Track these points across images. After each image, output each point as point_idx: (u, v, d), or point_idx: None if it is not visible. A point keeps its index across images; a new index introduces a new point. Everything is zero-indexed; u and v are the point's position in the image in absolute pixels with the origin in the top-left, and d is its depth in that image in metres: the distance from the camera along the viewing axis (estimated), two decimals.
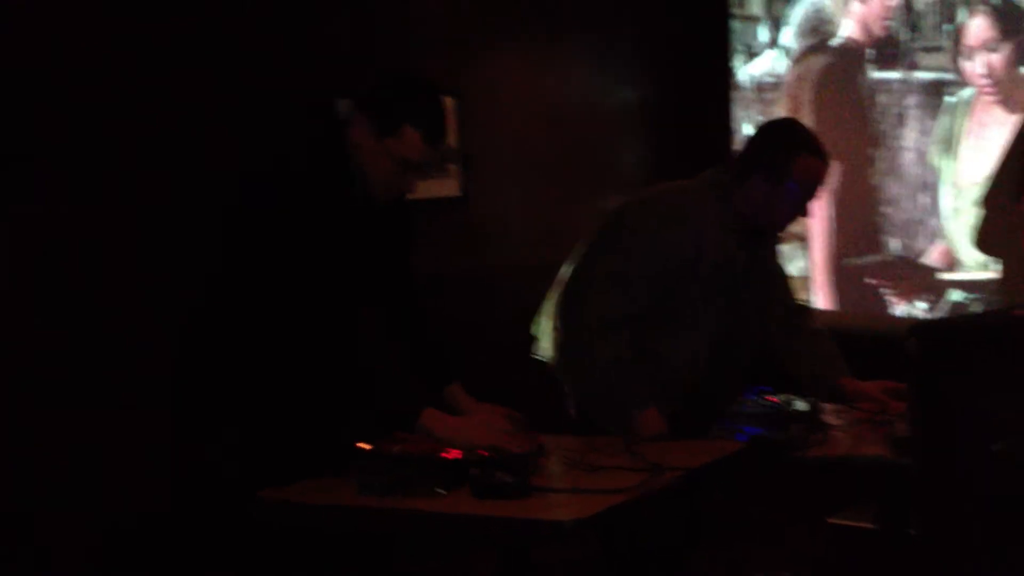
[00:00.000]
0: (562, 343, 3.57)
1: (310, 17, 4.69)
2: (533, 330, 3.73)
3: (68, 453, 3.87)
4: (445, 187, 5.23)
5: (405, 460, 2.78)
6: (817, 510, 4.54)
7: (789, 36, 5.59)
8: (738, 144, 5.53)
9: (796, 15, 5.57)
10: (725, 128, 5.76)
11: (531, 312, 3.76)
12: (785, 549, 4.58)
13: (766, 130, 3.76)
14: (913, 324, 2.23)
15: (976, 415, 2.18)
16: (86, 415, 3.90)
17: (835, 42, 5.47)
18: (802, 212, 3.60)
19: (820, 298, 5.49)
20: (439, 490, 2.72)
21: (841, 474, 3.66)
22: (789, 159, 3.50)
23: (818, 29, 5.51)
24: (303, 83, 4.48)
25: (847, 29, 5.42)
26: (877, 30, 5.32)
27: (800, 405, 3.68)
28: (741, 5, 5.75)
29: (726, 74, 5.78)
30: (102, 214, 3.98)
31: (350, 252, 2.98)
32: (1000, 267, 5.01)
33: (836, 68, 5.47)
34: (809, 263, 5.53)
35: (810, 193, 3.56)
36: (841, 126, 5.37)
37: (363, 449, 2.82)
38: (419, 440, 2.88)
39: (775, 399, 3.67)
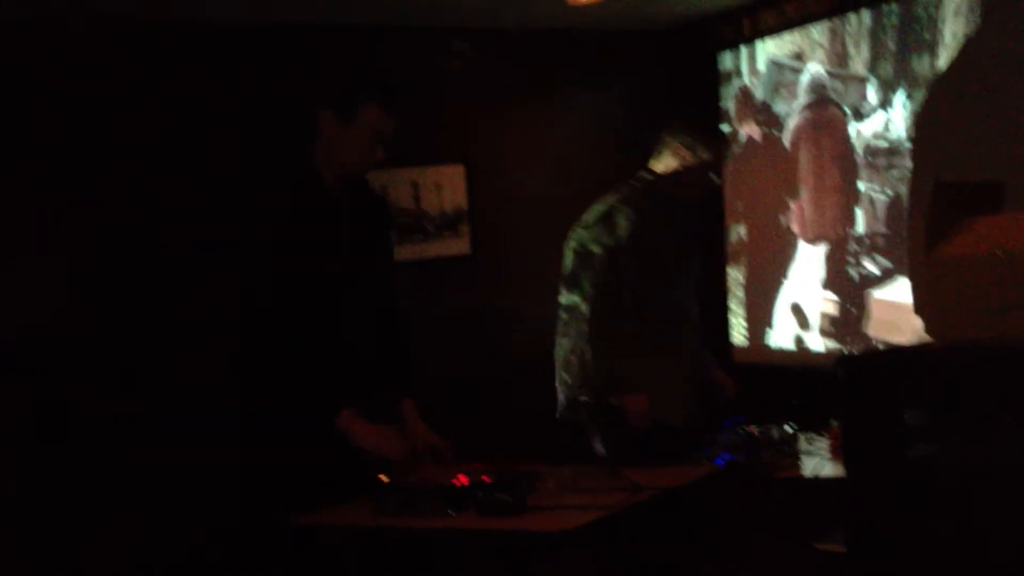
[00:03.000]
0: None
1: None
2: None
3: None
4: (456, 246, 5.70)
5: (422, 489, 3.24)
6: (803, 532, 4.90)
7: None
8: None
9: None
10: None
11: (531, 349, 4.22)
12: (771, 570, 4.92)
13: None
14: (839, 356, 2.64)
15: (894, 429, 2.61)
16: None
17: None
18: None
19: None
20: (450, 511, 3.17)
21: (816, 496, 4.04)
22: None
23: None
24: None
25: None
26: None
27: (775, 433, 4.11)
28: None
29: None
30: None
31: (324, 243, 3.42)
32: None
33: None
34: None
35: None
36: None
37: (383, 480, 3.29)
38: (431, 471, 3.34)
39: (752, 429, 4.10)
